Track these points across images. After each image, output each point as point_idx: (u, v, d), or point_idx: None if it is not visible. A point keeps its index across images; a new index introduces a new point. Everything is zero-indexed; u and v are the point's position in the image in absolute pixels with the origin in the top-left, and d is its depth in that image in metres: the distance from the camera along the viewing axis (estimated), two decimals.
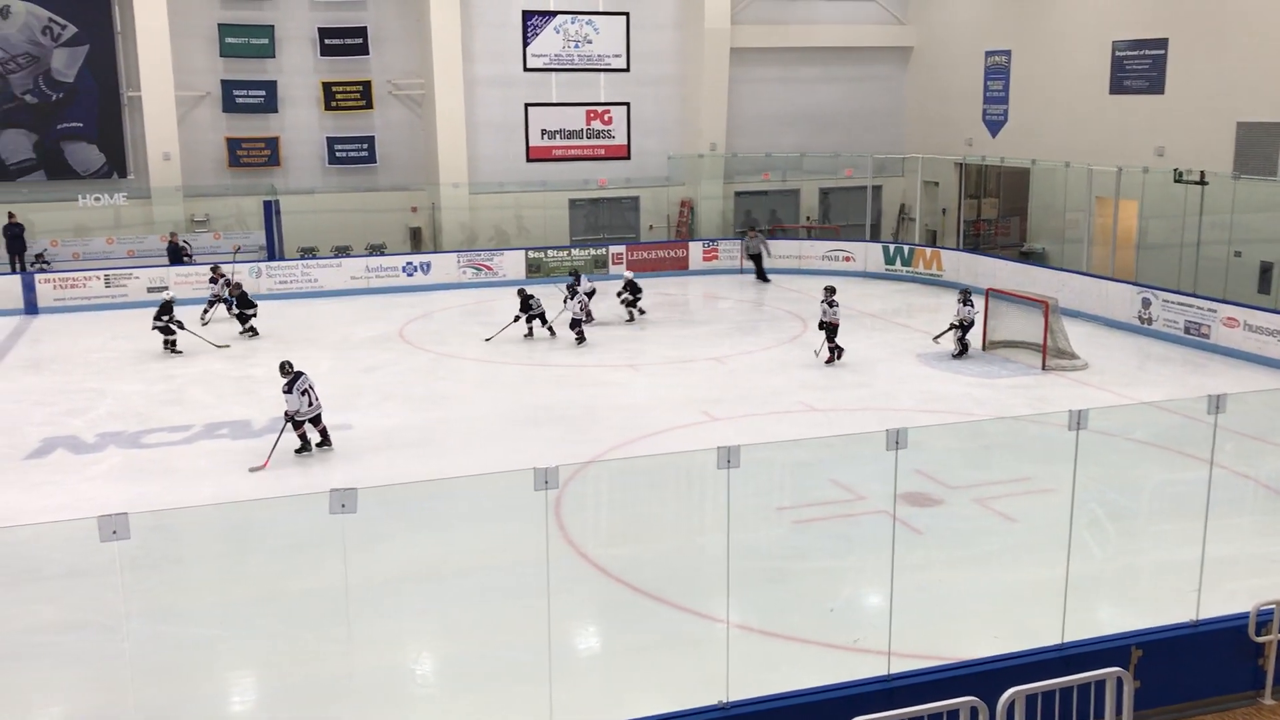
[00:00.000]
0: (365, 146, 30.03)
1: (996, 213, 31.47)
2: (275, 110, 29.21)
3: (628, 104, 31.46)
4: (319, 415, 14.22)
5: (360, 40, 29.36)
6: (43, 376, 18.65)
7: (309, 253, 28.57)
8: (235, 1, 28.52)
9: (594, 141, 31.42)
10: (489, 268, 27.50)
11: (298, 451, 14.11)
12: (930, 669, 7.65)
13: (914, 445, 7.47)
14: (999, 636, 8.65)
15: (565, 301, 20.85)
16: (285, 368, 14.27)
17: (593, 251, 28.77)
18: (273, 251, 27.39)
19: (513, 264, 27.67)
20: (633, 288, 22.98)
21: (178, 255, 26.61)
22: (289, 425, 13.96)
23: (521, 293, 21.49)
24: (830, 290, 19.25)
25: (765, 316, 23.34)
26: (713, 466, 7.08)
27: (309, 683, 8.69)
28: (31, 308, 24.26)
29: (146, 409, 16.50)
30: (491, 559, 10.71)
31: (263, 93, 29.02)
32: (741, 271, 28.68)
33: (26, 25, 27.38)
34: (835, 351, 18.79)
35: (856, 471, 12.69)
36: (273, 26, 28.78)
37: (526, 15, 30.03)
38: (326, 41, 29.18)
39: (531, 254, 28.05)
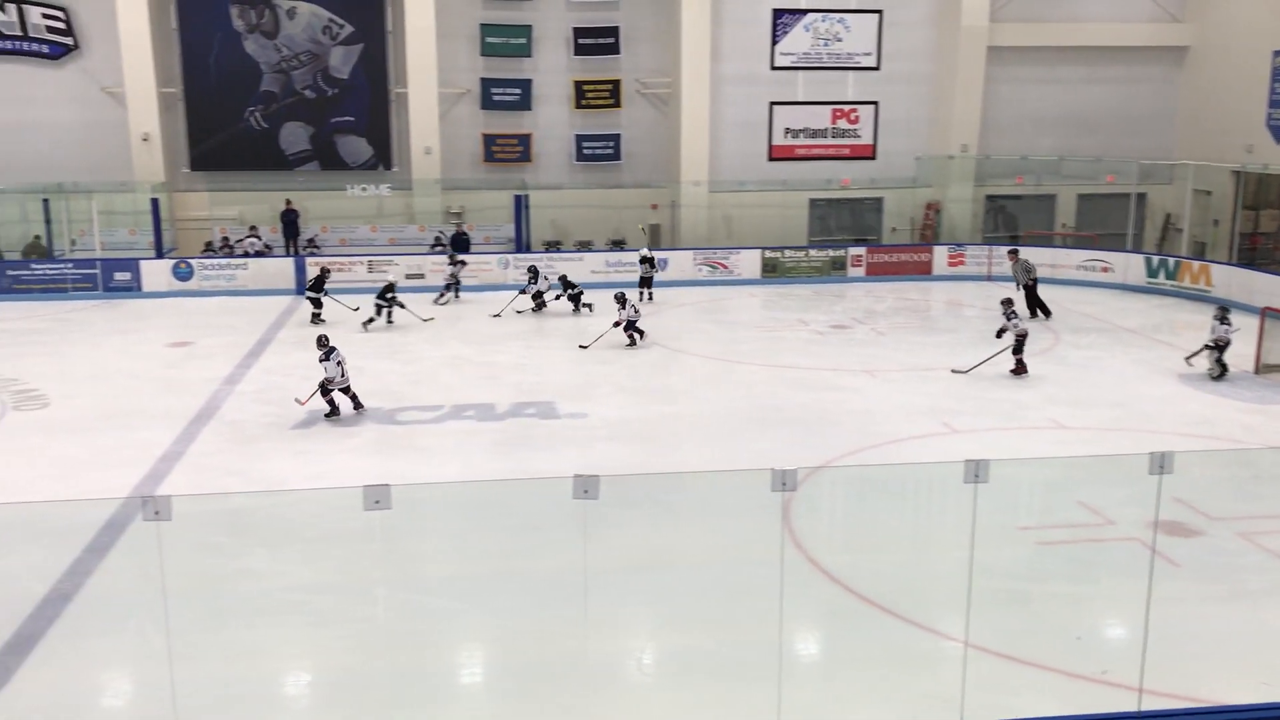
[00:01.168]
0: (611, 144, 30.71)
1: (1277, 225, 29.00)
2: (529, 108, 30.30)
3: (876, 103, 30.87)
4: (348, 385, 15.89)
5: (612, 40, 30.05)
6: (309, 353, 19.97)
7: (553, 246, 29.52)
8: (499, 3, 29.76)
9: (838, 141, 31.00)
10: (725, 266, 27.56)
11: (327, 416, 15.65)
12: (1186, 710, 7.10)
13: (1173, 471, 6.96)
14: (1268, 684, 7.94)
15: (621, 310, 20.24)
16: (322, 341, 16.15)
17: (831, 253, 28.33)
18: (520, 244, 28.43)
19: (748, 263, 27.63)
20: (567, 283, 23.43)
21: (465, 244, 28.19)
22: (320, 389, 15.69)
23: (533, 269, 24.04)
24: (1008, 302, 18.44)
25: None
26: (952, 479, 6.81)
27: (541, 661, 8.93)
28: (302, 288, 26.10)
29: (400, 388, 17.43)
30: (722, 555, 10.70)
31: (518, 91, 30.17)
32: (989, 279, 27.57)
33: (309, 25, 29.48)
34: (1020, 365, 18.01)
35: (1107, 495, 11.94)
36: (531, 26, 29.87)
37: (777, 14, 29.93)
38: (580, 41, 30.03)
39: (768, 253, 27.92)
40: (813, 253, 28.33)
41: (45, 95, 29.20)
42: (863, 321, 22.94)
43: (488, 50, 29.97)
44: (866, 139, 31.09)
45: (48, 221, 27.87)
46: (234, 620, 9.41)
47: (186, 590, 9.14)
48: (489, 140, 30.46)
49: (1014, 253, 24.82)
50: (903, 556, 11.16)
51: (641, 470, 13.12)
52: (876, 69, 30.63)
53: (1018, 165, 30.33)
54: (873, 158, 31.15)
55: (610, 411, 16.12)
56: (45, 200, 27.95)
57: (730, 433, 15.19)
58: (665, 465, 13.59)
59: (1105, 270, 26.88)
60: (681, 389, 17.82)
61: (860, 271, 28.05)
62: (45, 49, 29.12)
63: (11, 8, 28.74)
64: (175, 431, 14.97)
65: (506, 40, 29.98)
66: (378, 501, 6.06)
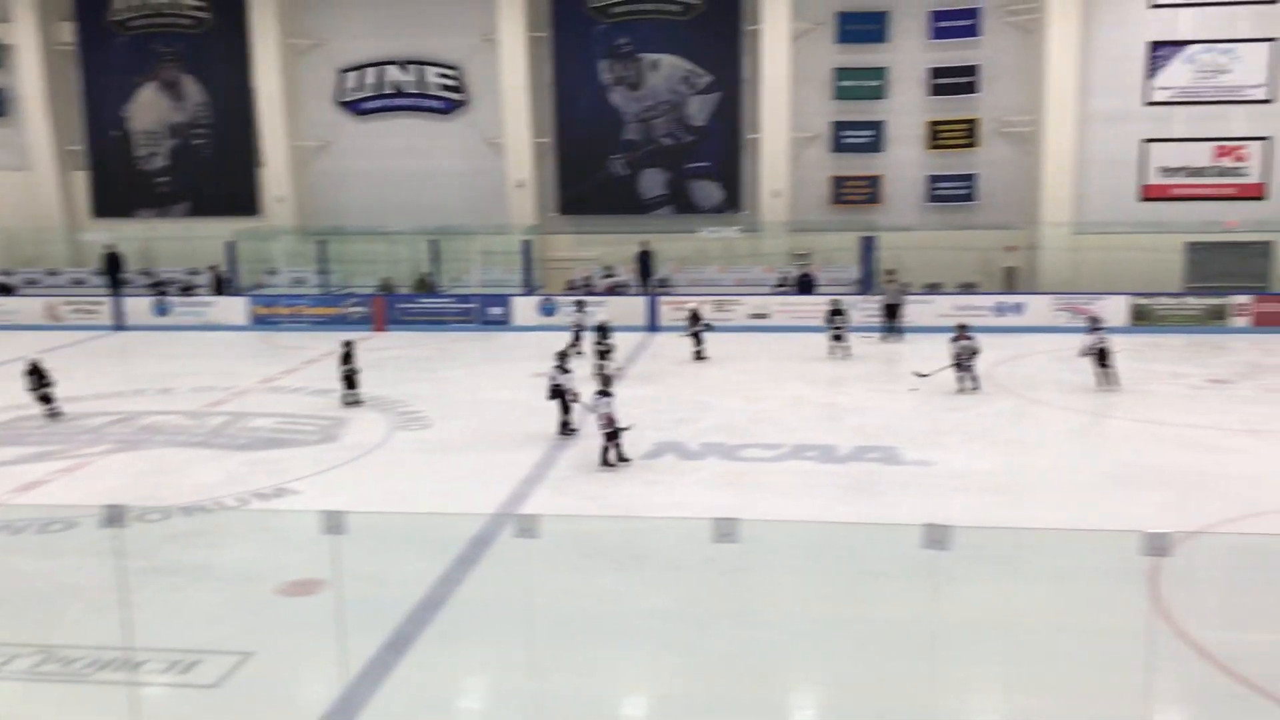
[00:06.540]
0: (965, 184, 29.88)
1: None
2: (880, 149, 30.11)
3: (1267, 139, 28.11)
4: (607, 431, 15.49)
5: (970, 79, 29.32)
6: (655, 387, 20.76)
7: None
8: (853, 47, 29.82)
9: (1221, 180, 28.51)
10: (1086, 312, 25.90)
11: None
12: None
13: None
14: None
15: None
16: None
17: (1210, 301, 25.98)
18: (867, 285, 28.15)
19: (1114, 310, 25.83)
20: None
21: (810, 286, 28.28)
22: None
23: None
24: None
25: None
26: None
27: (880, 713, 8.70)
28: (653, 326, 27.16)
29: (743, 425, 17.69)
30: (1078, 620, 9.98)
31: (870, 133, 30.07)
32: None
33: (670, 76, 30.86)
34: None
35: None
36: (886, 69, 29.70)
37: (1154, 46, 28.06)
38: (936, 81, 29.51)
39: (1138, 300, 26.01)
40: (1189, 300, 26.12)
41: (437, 146, 32.39)
42: (1248, 376, 20.85)
43: (840, 94, 30.08)
44: (1254, 177, 28.35)
45: (434, 260, 30.74)
46: (584, 639, 9.83)
47: (544, 606, 9.70)
48: (838, 182, 30.49)
49: None
50: None
51: (991, 525, 12.53)
52: (1268, 102, 27.92)
53: None
54: (1261, 198, 28.36)
55: (959, 461, 15.55)
56: (433, 241, 30.87)
57: (1092, 491, 14.21)
58: (1016, 521, 12.91)
59: None
60: (1038, 441, 16.91)
61: (1244, 321, 25.54)
62: (439, 104, 32.28)
63: (414, 68, 32.12)
64: (537, 455, 15.97)
65: (860, 83, 29.97)
66: (726, 535, 6.16)
